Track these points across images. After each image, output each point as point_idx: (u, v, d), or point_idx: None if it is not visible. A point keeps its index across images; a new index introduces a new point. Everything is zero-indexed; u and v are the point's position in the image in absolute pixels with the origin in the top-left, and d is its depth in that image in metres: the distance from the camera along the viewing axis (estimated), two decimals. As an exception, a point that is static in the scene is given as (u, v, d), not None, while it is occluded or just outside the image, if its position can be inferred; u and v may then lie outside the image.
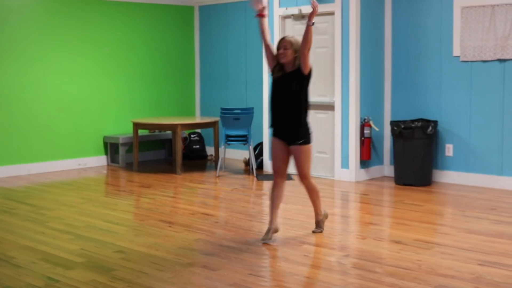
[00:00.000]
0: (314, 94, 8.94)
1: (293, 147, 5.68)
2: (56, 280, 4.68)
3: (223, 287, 4.50)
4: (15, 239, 5.85)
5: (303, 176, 5.76)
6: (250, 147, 9.19)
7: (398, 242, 5.57)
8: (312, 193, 5.89)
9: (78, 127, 9.97)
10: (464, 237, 5.70)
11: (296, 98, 5.61)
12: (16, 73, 9.27)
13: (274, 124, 5.80)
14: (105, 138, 10.26)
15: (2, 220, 6.64)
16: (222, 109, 9.23)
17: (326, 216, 6.06)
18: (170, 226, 6.26)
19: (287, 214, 6.76)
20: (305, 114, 5.66)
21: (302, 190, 7.93)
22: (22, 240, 5.81)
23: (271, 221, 5.73)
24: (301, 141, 5.65)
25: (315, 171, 8.94)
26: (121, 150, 10.09)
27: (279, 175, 5.79)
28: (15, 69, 9.24)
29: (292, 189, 8.13)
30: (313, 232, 5.92)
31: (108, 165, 10.27)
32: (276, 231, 5.74)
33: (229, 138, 9.15)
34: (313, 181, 5.88)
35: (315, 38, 8.83)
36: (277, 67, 5.73)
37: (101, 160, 10.27)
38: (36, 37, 9.45)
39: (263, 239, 5.66)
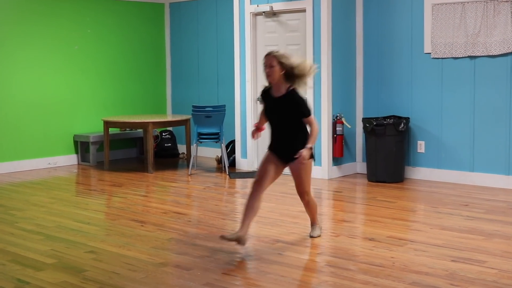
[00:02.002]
0: (286, 92, 8.93)
1: (292, 164, 5.38)
2: (26, 282, 4.59)
3: (197, 287, 4.46)
4: (-16, 241, 5.75)
5: (303, 193, 5.54)
6: (222, 145, 9.14)
7: (371, 239, 5.57)
8: (313, 207, 5.70)
9: (48, 125, 9.83)
10: (437, 234, 5.72)
11: (291, 124, 5.33)
12: (-17, 71, 9.12)
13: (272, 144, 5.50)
14: (75, 136, 10.13)
15: (-30, 221, 6.52)
16: (194, 107, 9.17)
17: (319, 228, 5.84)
18: (142, 226, 6.20)
19: (261, 212, 6.69)
20: (303, 134, 5.34)
21: (276, 188, 7.95)
22: (-10, 242, 5.71)
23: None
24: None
25: (287, 168, 8.90)
26: (92, 148, 9.98)
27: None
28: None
29: (265, 187, 8.10)
30: (311, 236, 5.70)
31: (78, 164, 10.15)
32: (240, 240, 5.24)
33: (201, 136, 9.09)
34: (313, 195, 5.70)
35: (286, 35, 8.85)
36: (263, 96, 5.48)
37: (72, 159, 10.15)
38: (2, 34, 9.29)
39: (224, 236, 5.29)
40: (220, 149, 9.55)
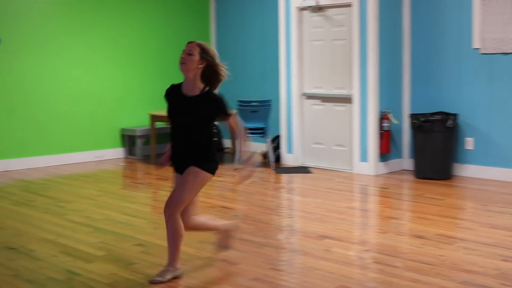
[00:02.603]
0: (332, 87, 8.90)
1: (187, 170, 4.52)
2: (77, 274, 4.66)
3: (245, 282, 4.47)
4: (35, 232, 5.85)
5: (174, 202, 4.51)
6: (268, 139, 9.14)
7: (419, 237, 5.51)
8: (175, 233, 4.59)
9: (95, 119, 9.96)
10: (487, 232, 5.63)
11: (200, 129, 4.53)
12: (33, 66, 9.27)
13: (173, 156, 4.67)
14: (122, 130, 10.25)
15: (21, 213, 6.65)
16: (240, 101, 9.19)
17: (177, 273, 4.63)
18: (189, 219, 6.22)
19: (307, 208, 6.72)
20: (208, 143, 4.60)
21: (322, 184, 7.92)
22: (41, 233, 5.81)
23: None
24: (197, 164, 4.50)
25: (333, 164, 8.89)
26: (138, 142, 10.08)
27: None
28: (32, 61, 9.24)
29: (311, 182, 8.09)
30: (152, 282, 4.50)
31: (125, 157, 10.26)
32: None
33: (246, 131, 9.09)
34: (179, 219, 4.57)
35: (332, 30, 8.81)
36: (169, 94, 4.70)
37: (118, 152, 10.26)
38: (53, 29, 9.44)
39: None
40: (265, 144, 9.56)
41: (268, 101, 9.19)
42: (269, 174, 8.74)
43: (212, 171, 4.56)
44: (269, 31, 10.29)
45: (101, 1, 9.92)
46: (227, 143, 10.90)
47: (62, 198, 7.32)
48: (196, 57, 4.49)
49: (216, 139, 10.86)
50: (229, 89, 11.12)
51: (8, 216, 6.50)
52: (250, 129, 9.09)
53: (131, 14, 10.32)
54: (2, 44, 8.98)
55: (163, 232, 5.75)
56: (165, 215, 4.54)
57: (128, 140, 10.26)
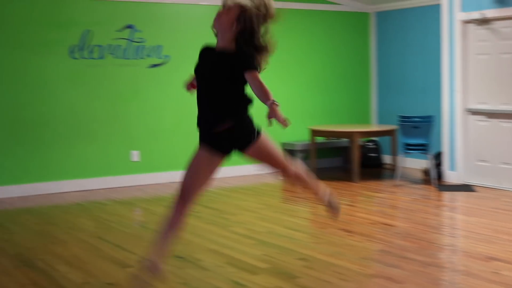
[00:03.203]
0: (497, 102, 8.56)
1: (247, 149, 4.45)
2: (243, 285, 4.78)
3: (410, 301, 4.40)
4: (201, 242, 6.07)
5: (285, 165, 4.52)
6: (430, 156, 8.94)
7: None
8: (302, 178, 4.76)
9: (256, 133, 10.19)
10: None
11: (224, 86, 4.17)
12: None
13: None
14: (282, 144, 10.41)
15: (188, 223, 6.85)
16: (401, 117, 9.06)
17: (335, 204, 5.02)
18: (350, 235, 6.22)
19: (472, 228, 6.50)
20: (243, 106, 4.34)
21: (487, 203, 7.62)
22: (207, 243, 6.01)
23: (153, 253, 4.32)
24: (252, 139, 4.42)
25: (498, 182, 8.52)
26: (298, 156, 10.19)
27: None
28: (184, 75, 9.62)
29: (475, 201, 7.81)
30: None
31: (284, 171, 10.38)
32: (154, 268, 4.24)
33: (407, 147, 8.96)
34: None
35: (499, 43, 8.48)
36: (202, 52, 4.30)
37: (278, 166, 10.41)
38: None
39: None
40: (426, 161, 9.35)
41: (430, 116, 8.98)
42: (431, 191, 8.52)
43: (256, 129, 4.45)
44: (431, 45, 10.09)
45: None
46: (385, 159, 10.78)
47: (226, 210, 7.54)
48: (232, 16, 3.99)
49: (375, 154, 10.78)
50: (390, 104, 11.05)
51: (176, 226, 6.78)
52: (412, 145, 8.93)
53: (293, 29, 10.48)
54: (172, 61, 9.45)
55: (325, 247, 5.82)
56: (289, 179, 4.68)
57: (288, 154, 10.40)
